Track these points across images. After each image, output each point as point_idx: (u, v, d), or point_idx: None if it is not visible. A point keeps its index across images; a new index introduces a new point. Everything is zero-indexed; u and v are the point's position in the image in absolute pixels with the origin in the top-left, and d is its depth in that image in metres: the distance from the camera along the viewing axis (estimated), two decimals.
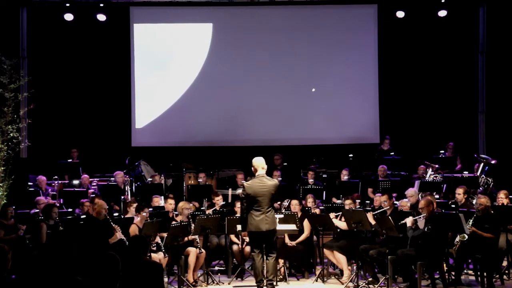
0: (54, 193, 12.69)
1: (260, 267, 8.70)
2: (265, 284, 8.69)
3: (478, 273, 9.44)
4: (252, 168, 8.88)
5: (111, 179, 13.25)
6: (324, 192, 12.57)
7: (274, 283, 8.79)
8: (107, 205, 9.89)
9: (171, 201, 10.67)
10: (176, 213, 10.33)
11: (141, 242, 7.39)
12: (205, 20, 15.57)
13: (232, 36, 15.55)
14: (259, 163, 8.85)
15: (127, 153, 14.59)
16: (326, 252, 10.03)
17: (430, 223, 8.86)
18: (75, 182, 13.29)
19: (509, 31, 14.98)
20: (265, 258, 8.75)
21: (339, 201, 12.14)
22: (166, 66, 15.56)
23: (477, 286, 9.35)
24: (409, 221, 9.05)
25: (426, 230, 8.85)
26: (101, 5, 15.09)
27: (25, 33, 15.13)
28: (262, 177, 8.73)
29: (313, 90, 15.54)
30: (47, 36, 15.19)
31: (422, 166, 13.35)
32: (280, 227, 9.39)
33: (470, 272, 9.79)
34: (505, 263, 9.84)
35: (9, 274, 6.22)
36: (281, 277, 9.78)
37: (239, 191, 9.52)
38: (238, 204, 10.69)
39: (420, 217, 9.04)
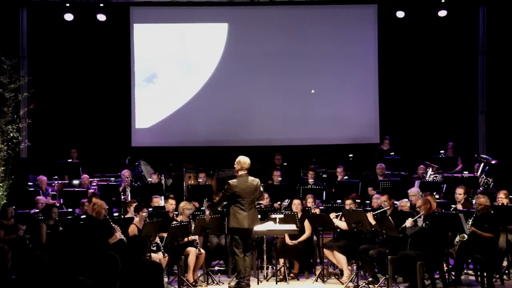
0: (54, 193, 12.69)
1: (243, 265, 9.05)
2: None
3: (478, 273, 9.44)
4: (238, 166, 9.13)
5: (111, 179, 13.21)
6: (324, 192, 12.57)
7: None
8: (107, 205, 9.88)
9: (172, 201, 10.65)
10: (176, 213, 10.33)
11: (140, 242, 7.39)
12: (205, 20, 15.57)
13: (233, 37, 15.54)
14: (246, 162, 9.16)
15: (127, 153, 14.60)
16: (326, 252, 10.02)
17: (428, 219, 8.85)
18: (75, 182, 13.29)
19: (509, 31, 14.98)
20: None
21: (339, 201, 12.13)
22: (166, 66, 15.56)
23: (477, 286, 9.34)
24: (409, 222, 9.02)
25: (424, 226, 8.84)
26: (101, 5, 15.10)
27: (25, 33, 15.14)
28: (246, 177, 9.10)
29: (313, 91, 15.53)
30: (47, 36, 15.20)
31: (422, 166, 13.34)
32: (280, 227, 9.48)
33: (470, 272, 9.78)
34: (505, 263, 9.82)
35: (9, 274, 6.22)
36: (281, 277, 9.78)
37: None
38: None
39: (420, 217, 9.03)
